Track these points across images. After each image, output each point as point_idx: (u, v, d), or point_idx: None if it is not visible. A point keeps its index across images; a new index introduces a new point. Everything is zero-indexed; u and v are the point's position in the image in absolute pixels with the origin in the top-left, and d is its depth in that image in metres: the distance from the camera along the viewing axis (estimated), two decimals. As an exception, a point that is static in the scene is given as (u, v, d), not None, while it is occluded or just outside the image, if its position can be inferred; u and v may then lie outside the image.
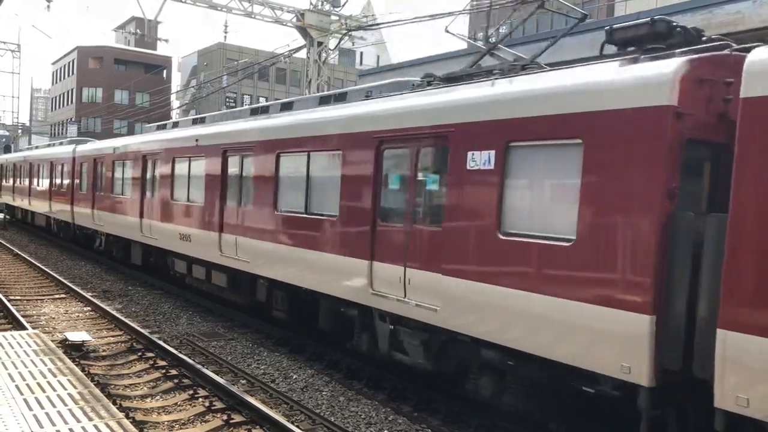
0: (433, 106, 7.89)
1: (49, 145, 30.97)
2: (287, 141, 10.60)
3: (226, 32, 68.80)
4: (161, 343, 10.73)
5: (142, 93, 63.21)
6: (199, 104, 61.50)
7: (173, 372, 9.49)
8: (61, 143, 28.48)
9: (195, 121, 15.91)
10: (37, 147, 34.03)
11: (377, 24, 25.47)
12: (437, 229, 7.60)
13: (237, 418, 7.76)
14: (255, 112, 13.16)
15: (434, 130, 7.69)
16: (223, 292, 13.20)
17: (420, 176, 8.02)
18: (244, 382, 9.33)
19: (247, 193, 11.75)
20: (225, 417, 7.75)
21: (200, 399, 8.44)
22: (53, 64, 79.58)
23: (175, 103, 63.51)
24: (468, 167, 7.14)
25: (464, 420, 8.03)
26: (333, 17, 25.68)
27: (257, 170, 11.38)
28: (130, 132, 55.63)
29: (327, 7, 25.60)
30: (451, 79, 8.33)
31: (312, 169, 10.00)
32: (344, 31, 25.94)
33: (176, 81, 73.48)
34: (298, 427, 7.38)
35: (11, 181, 35.70)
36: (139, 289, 16.56)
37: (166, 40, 32.16)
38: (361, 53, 72.49)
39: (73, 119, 67.12)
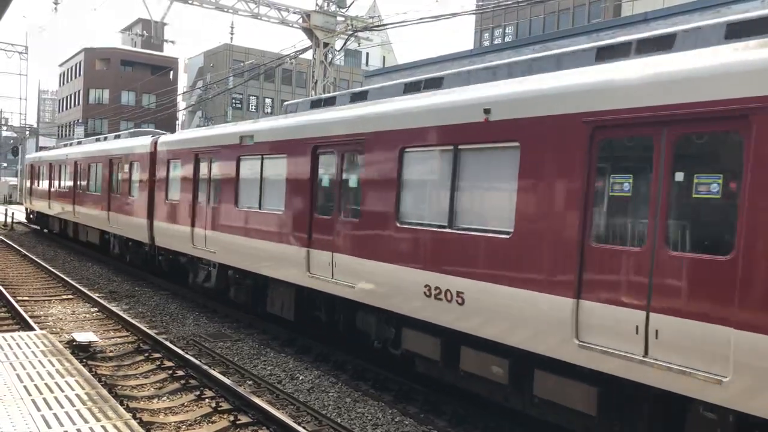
0: None
1: (97, 140, 24.58)
2: None
3: (232, 33, 69.02)
4: (168, 344, 10.75)
5: (148, 94, 63.52)
6: (205, 105, 61.73)
7: (180, 373, 9.51)
8: (117, 136, 22.58)
9: (409, 87, 9.29)
10: (80, 142, 27.07)
11: (383, 25, 25.46)
12: None
13: (243, 419, 7.78)
14: (603, 56, 6.73)
15: None
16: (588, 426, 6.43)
17: None
18: (250, 383, 9.35)
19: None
20: (231, 418, 7.77)
21: (207, 400, 8.46)
22: (60, 65, 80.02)
23: (181, 104, 63.73)
24: None
25: (470, 422, 8.02)
26: (339, 18, 25.71)
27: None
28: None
29: (333, 8, 25.63)
30: None
31: None
32: (350, 32, 25.97)
33: (182, 82, 73.73)
34: (304, 428, 7.38)
35: (46, 184, 28.56)
36: (146, 290, 16.61)
37: (173, 42, 32.14)
38: (367, 54, 72.62)
39: (79, 120, 67.50)
